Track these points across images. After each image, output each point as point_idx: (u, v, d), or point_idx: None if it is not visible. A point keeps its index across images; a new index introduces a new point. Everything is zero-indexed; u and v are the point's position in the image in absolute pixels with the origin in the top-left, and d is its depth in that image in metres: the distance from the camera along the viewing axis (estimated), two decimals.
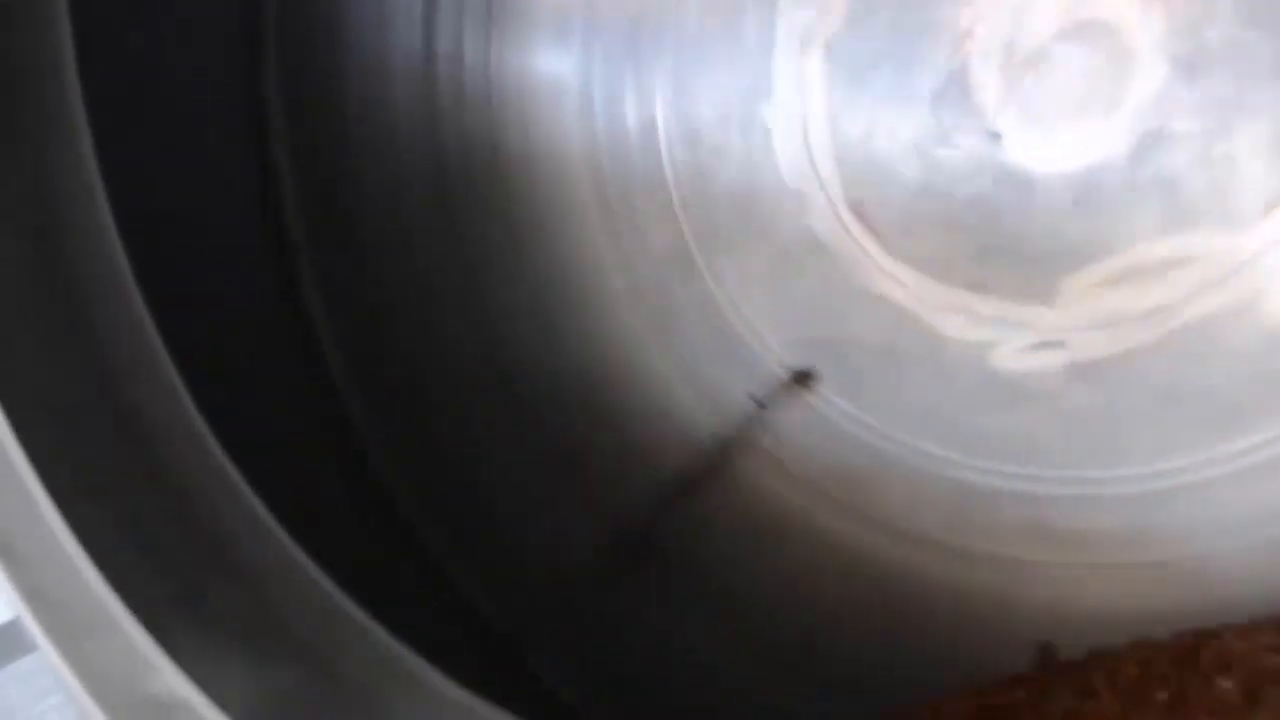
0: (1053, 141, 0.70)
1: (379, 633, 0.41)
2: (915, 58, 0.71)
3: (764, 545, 0.76)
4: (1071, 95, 0.69)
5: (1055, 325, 0.73)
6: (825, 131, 0.75)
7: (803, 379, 0.75)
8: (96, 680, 0.38)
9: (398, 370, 0.77)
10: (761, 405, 0.76)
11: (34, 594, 0.39)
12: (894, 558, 0.74)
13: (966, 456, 0.74)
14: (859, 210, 0.75)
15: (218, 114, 0.71)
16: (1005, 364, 0.74)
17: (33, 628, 0.39)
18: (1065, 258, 0.71)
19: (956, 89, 0.71)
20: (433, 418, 0.78)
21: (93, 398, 0.43)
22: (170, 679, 0.37)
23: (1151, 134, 0.67)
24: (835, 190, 0.75)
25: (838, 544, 0.75)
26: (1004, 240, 0.72)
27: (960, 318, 0.74)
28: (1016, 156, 0.71)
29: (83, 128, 0.46)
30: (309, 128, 0.75)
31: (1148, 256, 0.70)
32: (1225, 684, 0.55)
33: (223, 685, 0.37)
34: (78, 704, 0.39)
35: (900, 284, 0.75)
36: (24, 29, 0.44)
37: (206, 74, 0.70)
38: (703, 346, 0.79)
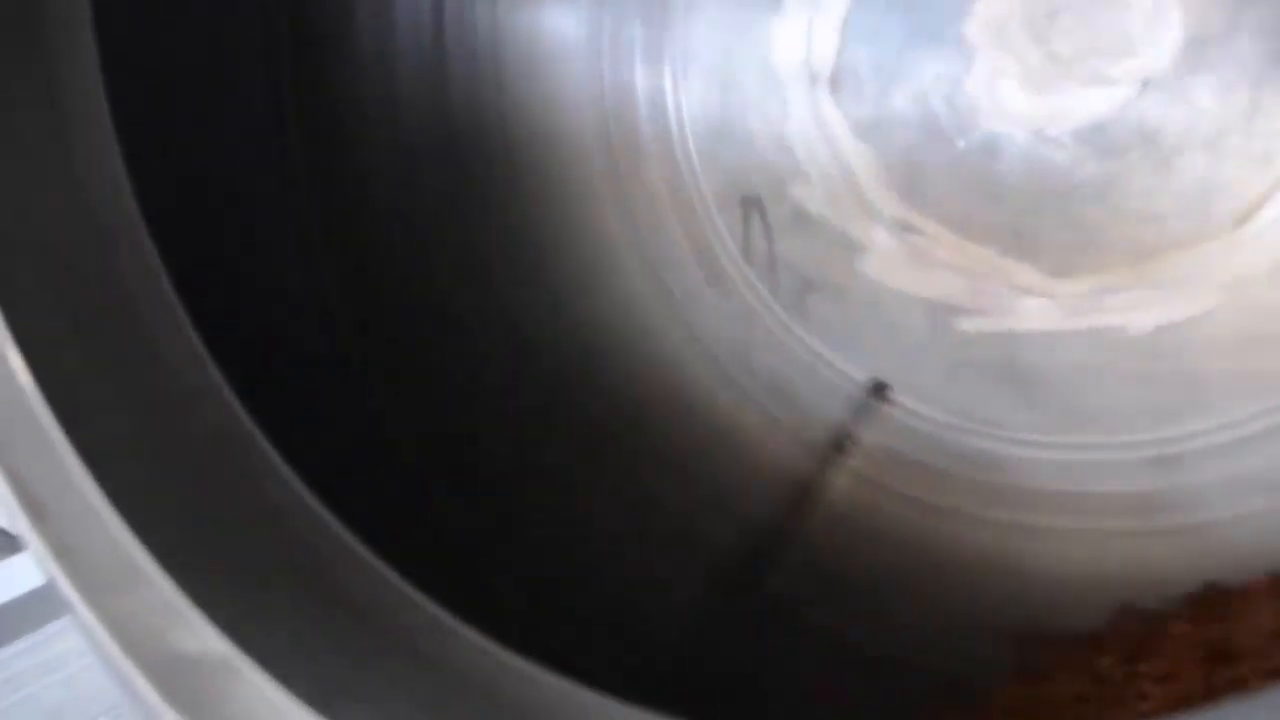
0: (1058, 102, 0.70)
1: (410, 586, 0.41)
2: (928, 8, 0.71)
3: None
4: (1082, 53, 0.69)
5: (1060, 289, 0.73)
6: (836, 90, 0.74)
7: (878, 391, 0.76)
8: (129, 636, 0.38)
9: (398, 330, 0.76)
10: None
11: (64, 550, 0.38)
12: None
13: (963, 419, 0.75)
14: (867, 168, 0.75)
15: (234, 106, 0.69)
16: (1012, 327, 0.74)
17: (63, 583, 0.38)
18: (1070, 232, 0.72)
19: (965, 54, 0.71)
20: (437, 388, 0.77)
21: (119, 356, 0.42)
22: (204, 634, 0.37)
23: (1159, 94, 0.67)
24: (845, 149, 0.75)
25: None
26: (1020, 199, 0.72)
27: (962, 278, 0.75)
28: (1021, 110, 0.71)
29: (97, 85, 0.45)
30: (319, 96, 0.74)
31: (1149, 222, 0.70)
32: None
33: (258, 640, 0.37)
34: (109, 661, 0.39)
35: (900, 241, 0.75)
36: None
37: (221, 52, 0.69)
38: (709, 306, 0.79)
